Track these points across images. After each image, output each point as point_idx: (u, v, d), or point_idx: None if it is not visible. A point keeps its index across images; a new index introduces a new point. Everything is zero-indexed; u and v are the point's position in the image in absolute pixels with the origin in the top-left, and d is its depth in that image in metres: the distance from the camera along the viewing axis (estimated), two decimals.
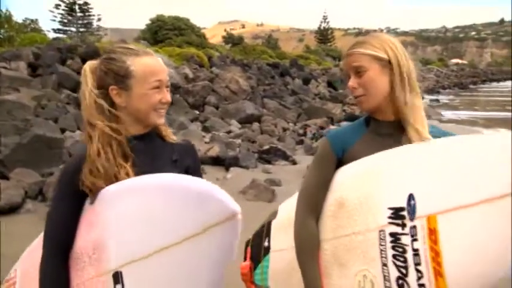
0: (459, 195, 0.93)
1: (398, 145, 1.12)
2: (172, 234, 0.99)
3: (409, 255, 0.99)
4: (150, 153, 1.18)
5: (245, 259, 1.50)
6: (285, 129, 10.69)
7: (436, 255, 0.94)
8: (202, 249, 0.97)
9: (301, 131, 10.60)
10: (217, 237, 0.96)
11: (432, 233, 0.95)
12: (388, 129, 1.17)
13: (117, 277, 1.05)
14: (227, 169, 6.59)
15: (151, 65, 1.12)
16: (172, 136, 1.25)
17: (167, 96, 1.15)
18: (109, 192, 1.09)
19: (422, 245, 0.97)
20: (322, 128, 11.03)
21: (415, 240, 0.98)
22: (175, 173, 1.16)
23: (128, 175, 1.10)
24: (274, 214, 1.47)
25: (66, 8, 36.18)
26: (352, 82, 1.16)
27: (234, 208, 0.95)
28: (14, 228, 4.11)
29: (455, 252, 0.92)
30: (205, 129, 9.64)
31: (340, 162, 1.20)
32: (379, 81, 1.13)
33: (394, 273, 1.01)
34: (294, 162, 7.27)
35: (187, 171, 1.22)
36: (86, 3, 36.58)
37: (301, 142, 9.29)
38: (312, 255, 1.17)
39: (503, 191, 0.87)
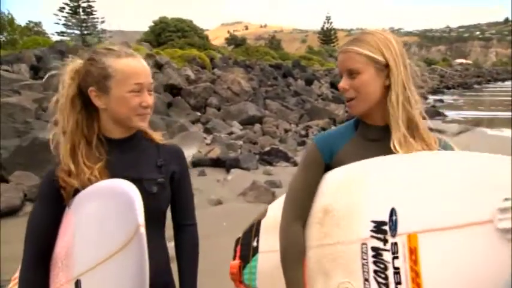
0: (441, 216, 0.89)
1: (386, 151, 1.07)
2: (114, 241, 0.97)
3: (390, 273, 0.95)
4: (134, 157, 1.15)
5: (234, 258, 1.47)
6: (286, 131, 10.65)
7: (416, 276, 0.90)
8: (123, 262, 0.95)
9: (303, 132, 10.55)
10: (131, 252, 0.94)
11: (413, 252, 0.91)
12: (376, 135, 1.12)
13: (78, 285, 1.04)
14: (228, 171, 6.56)
15: (131, 67, 1.09)
16: (159, 137, 1.22)
17: (148, 100, 1.11)
18: (80, 196, 1.08)
19: (403, 263, 0.93)
20: (324, 129, 10.98)
21: (396, 258, 0.94)
22: (160, 178, 1.14)
23: (97, 177, 1.08)
24: (263, 213, 1.44)
25: (70, 11, 36.46)
26: (344, 83, 1.10)
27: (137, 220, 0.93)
28: (13, 230, 4.10)
29: (435, 274, 0.88)
30: (207, 131, 9.63)
31: (328, 166, 1.15)
32: (372, 85, 1.07)
33: None
34: (296, 164, 7.22)
35: (172, 177, 1.20)
36: (89, 6, 36.83)
37: (303, 143, 9.24)
38: (297, 262, 1.13)
39: (485, 217, 0.83)
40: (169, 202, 1.21)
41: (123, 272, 0.95)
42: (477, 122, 14.59)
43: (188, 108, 11.30)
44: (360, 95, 1.08)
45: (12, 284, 1.32)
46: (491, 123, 14.49)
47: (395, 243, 0.94)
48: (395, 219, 0.95)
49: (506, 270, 0.80)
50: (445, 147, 1.14)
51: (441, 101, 22.83)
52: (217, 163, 6.77)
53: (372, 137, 1.12)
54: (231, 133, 9.67)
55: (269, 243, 1.28)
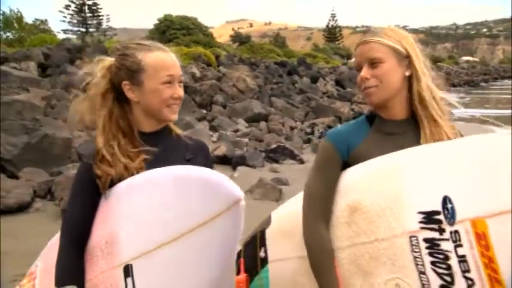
0: (505, 199, 0.87)
1: (405, 145, 1.07)
2: (180, 225, 0.99)
3: (454, 262, 0.93)
4: (164, 150, 1.19)
5: (238, 272, 1.39)
6: (292, 128, 10.64)
7: (489, 262, 0.88)
8: (208, 239, 0.98)
9: (308, 130, 10.54)
10: (223, 224, 0.97)
11: (481, 237, 0.89)
12: (395, 128, 1.12)
13: (128, 270, 1.06)
14: (234, 168, 6.58)
15: (162, 60, 1.14)
16: (180, 135, 1.25)
17: (179, 91, 1.16)
18: (121, 187, 1.11)
19: (469, 250, 0.91)
20: (330, 127, 10.95)
21: (459, 246, 0.92)
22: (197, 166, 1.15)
23: (136, 170, 1.11)
24: (267, 222, 1.37)
25: (76, 9, 36.65)
26: (365, 72, 1.10)
27: (237, 194, 0.96)
28: (23, 227, 4.15)
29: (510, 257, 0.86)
30: (213, 129, 9.64)
31: (345, 164, 1.14)
32: (394, 75, 1.09)
33: (435, 281, 0.95)
34: (302, 161, 7.23)
35: None
36: (95, 4, 37.01)
37: (308, 141, 9.24)
38: (329, 264, 1.09)
39: None
40: None
41: (205, 247, 0.98)
42: (484, 120, 14.46)
43: (194, 105, 11.32)
44: (381, 83, 1.09)
45: (27, 281, 1.33)
46: (498, 121, 14.36)
47: (456, 231, 0.92)
48: (452, 207, 0.93)
49: None
50: None
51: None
52: (223, 160, 6.78)
53: (391, 130, 1.12)
54: (236, 130, 9.67)
55: (281, 250, 1.24)
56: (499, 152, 0.92)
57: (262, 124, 10.49)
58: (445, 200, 0.94)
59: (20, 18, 19.44)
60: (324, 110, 12.67)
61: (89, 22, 36.58)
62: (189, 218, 0.98)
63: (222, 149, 7.05)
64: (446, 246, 0.93)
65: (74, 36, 28.94)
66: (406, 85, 1.12)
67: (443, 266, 0.93)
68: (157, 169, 1.09)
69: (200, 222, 0.97)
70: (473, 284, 0.90)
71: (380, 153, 1.09)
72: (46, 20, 28.86)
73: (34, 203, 4.69)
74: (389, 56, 1.09)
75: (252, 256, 1.36)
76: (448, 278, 0.93)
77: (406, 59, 1.10)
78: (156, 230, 1.02)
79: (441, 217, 0.95)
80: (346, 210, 1.09)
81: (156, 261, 1.02)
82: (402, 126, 1.12)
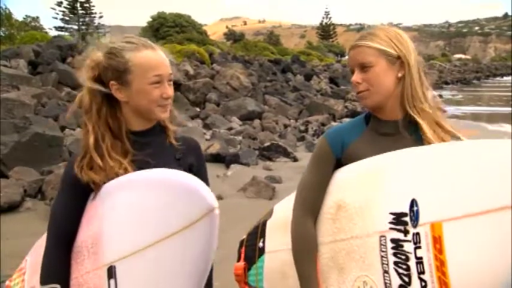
0: (465, 203, 0.89)
1: (400, 146, 1.07)
2: (161, 229, 0.99)
3: (412, 263, 0.95)
4: (154, 149, 1.17)
5: (239, 259, 1.47)
6: (286, 126, 10.64)
7: (441, 265, 0.90)
8: (186, 244, 0.98)
9: (302, 128, 10.55)
10: (199, 232, 0.97)
11: (437, 241, 0.91)
12: (389, 129, 1.12)
13: (111, 271, 1.06)
14: (227, 166, 6.56)
15: (150, 59, 1.10)
16: (172, 138, 1.21)
17: (168, 91, 1.12)
18: (108, 187, 1.10)
19: (426, 253, 0.93)
20: (323, 124, 10.97)
21: (419, 247, 0.94)
22: (179, 170, 1.14)
23: (126, 170, 1.09)
24: (269, 214, 1.44)
25: (68, 6, 36.29)
26: (356, 77, 1.11)
27: (211, 203, 0.95)
28: (13, 226, 4.10)
29: (461, 262, 0.88)
30: (206, 127, 9.61)
31: (339, 161, 1.15)
32: (385, 77, 1.08)
33: (396, 281, 0.98)
34: (295, 159, 7.23)
35: (190, 169, 1.21)
36: (87, 1, 36.64)
37: (302, 139, 9.24)
38: (309, 256, 1.14)
39: (504, 203, 0.83)
40: None
41: (184, 254, 0.98)
42: (476, 117, 14.58)
43: (187, 103, 11.27)
44: (372, 87, 1.09)
45: (17, 275, 1.34)
46: (490, 118, 14.50)
47: (417, 233, 0.94)
48: (417, 210, 0.95)
49: None
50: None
51: (440, 96, 22.78)
52: (217, 159, 6.76)
53: (384, 131, 1.13)
54: (230, 128, 9.65)
55: (277, 242, 1.28)
56: (464, 159, 0.93)
57: (256, 122, 10.47)
58: (412, 203, 0.96)
59: (8, 15, 19.18)
60: (317, 108, 12.69)
61: (81, 19, 36.22)
62: (167, 224, 0.98)
63: (215, 147, 7.02)
64: (408, 247, 0.96)
65: (67, 34, 28.60)
66: (400, 86, 1.11)
67: (404, 266, 0.96)
68: (141, 171, 1.07)
69: (175, 230, 0.97)
70: (426, 285, 0.93)
71: (372, 153, 1.09)
72: (38, 17, 28.55)
73: (24, 203, 4.63)
74: (379, 59, 1.08)
75: (253, 245, 1.42)
76: (406, 279, 0.96)
77: (397, 60, 1.09)
78: (138, 233, 1.02)
79: (407, 219, 0.97)
80: (333, 207, 1.13)
81: (138, 264, 1.02)
82: (396, 126, 1.12)
